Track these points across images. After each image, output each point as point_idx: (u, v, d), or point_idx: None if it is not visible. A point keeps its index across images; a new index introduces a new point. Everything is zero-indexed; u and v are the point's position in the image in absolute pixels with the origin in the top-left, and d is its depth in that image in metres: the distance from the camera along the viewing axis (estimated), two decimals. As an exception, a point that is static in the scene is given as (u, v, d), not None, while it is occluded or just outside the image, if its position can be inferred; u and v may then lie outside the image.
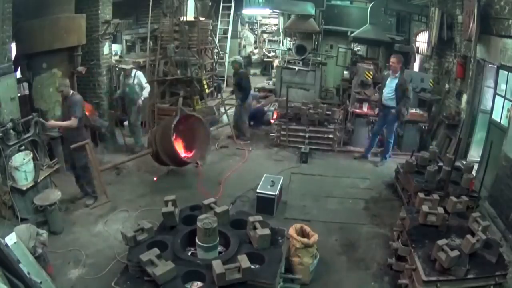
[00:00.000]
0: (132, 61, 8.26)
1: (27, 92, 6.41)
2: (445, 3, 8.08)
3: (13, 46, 5.65)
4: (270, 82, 13.63)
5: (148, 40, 8.66)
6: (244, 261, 2.97)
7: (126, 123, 8.00)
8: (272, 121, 9.09)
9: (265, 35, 18.88)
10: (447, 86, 8.01)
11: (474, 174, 5.45)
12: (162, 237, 3.50)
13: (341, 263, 4.47)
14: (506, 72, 5.77)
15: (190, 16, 9.47)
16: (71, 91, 5.30)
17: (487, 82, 6.57)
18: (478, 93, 6.74)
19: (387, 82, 6.89)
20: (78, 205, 5.48)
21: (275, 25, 18.36)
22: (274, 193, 5.28)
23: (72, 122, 5.14)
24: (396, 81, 6.75)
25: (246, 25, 17.70)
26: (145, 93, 7.40)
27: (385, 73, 7.36)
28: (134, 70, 7.35)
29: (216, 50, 11.62)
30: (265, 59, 17.03)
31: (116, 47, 9.56)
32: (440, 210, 4.04)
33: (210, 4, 11.74)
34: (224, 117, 9.48)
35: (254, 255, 3.26)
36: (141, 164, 6.84)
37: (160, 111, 8.48)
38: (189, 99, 9.06)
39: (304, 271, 3.99)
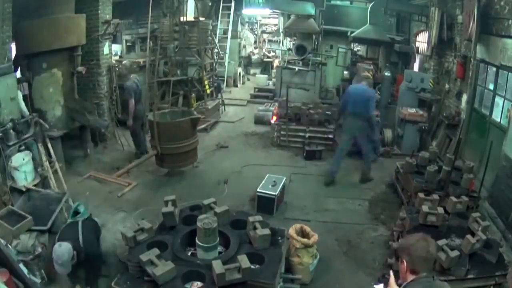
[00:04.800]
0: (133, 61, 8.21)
1: (27, 92, 6.41)
2: (445, 3, 8.07)
3: (13, 46, 5.65)
4: (270, 82, 13.65)
5: (148, 40, 8.64)
6: (244, 261, 2.97)
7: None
8: (272, 121, 9.09)
9: (265, 35, 18.82)
10: (447, 86, 8.00)
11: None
12: (162, 237, 3.50)
13: (341, 263, 4.47)
14: (506, 72, 5.77)
15: (190, 16, 9.46)
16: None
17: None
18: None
19: None
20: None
21: (275, 25, 18.30)
22: (274, 193, 5.28)
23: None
24: None
25: (246, 25, 17.67)
26: None
27: None
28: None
29: (216, 50, 11.62)
30: (265, 59, 17.00)
31: (116, 47, 9.54)
32: (440, 210, 4.04)
33: (210, 4, 11.74)
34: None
35: (254, 255, 3.25)
36: (141, 164, 6.82)
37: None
38: (187, 99, 9.10)
39: (304, 271, 3.99)
